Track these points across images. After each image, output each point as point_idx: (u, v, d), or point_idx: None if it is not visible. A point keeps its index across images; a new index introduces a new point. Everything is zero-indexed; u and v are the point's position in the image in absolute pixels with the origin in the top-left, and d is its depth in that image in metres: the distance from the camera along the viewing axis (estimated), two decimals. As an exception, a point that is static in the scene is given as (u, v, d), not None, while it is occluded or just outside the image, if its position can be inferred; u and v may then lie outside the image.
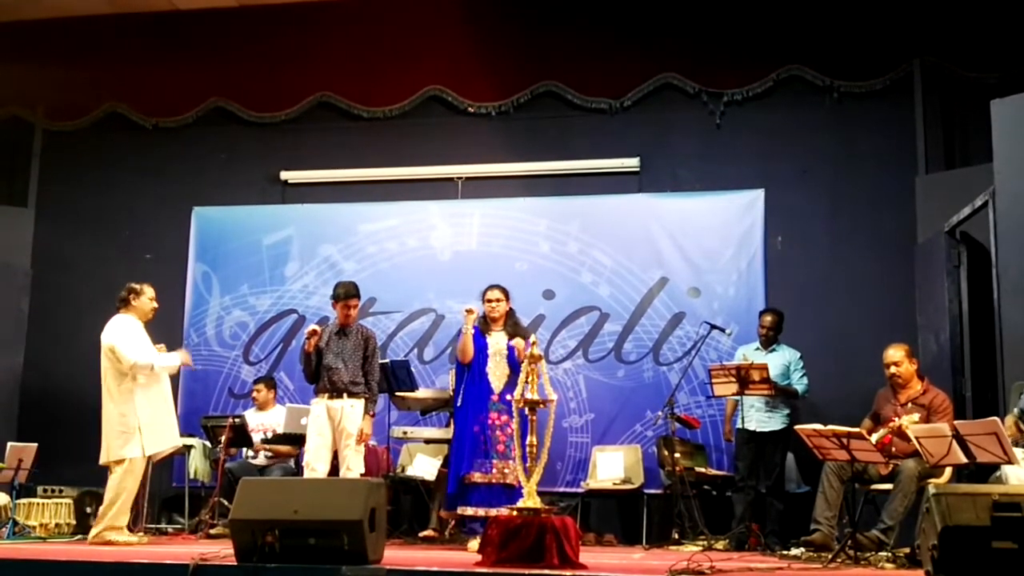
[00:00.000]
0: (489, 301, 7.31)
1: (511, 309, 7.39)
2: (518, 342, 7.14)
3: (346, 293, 7.54)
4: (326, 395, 7.40)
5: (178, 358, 7.26)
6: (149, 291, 7.27)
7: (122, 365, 6.95)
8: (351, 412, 7.35)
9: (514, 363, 7.11)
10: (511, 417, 6.74)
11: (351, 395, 7.38)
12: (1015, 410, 6.04)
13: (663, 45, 9.48)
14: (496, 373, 7.17)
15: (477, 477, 6.98)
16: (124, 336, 7.03)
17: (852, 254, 8.97)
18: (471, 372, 7.22)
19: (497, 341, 7.24)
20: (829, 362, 8.61)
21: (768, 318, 8.25)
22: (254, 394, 9.07)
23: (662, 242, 9.24)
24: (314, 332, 7.49)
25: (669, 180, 9.53)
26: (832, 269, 9.00)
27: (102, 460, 7.00)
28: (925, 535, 4.82)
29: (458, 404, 7.27)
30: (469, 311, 7.23)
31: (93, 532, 6.92)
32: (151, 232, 10.25)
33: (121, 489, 6.86)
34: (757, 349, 8.22)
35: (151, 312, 7.28)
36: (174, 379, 9.26)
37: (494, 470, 6.96)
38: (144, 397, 6.99)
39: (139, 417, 6.92)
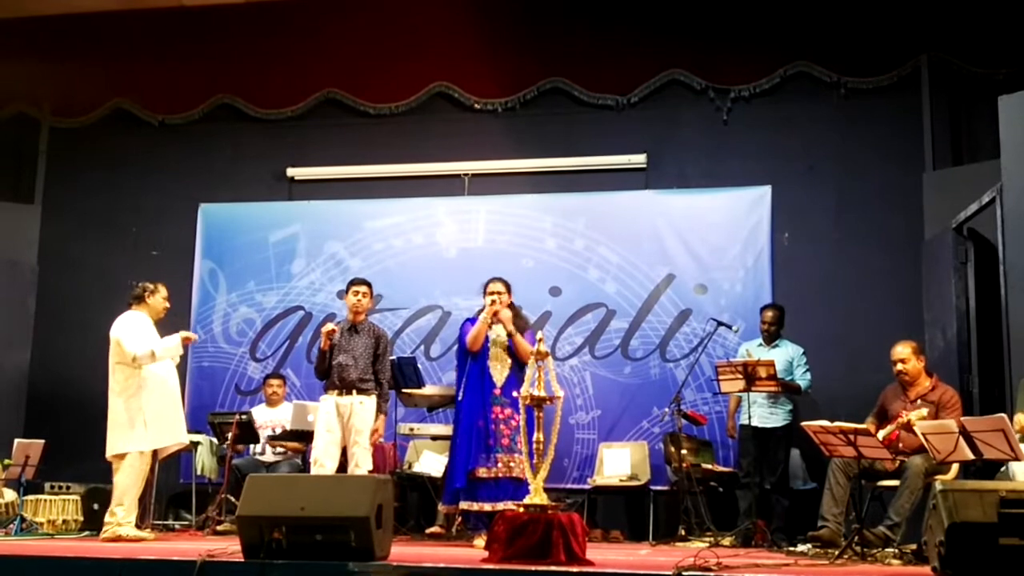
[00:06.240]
0: (491, 293, 7.30)
1: (512, 303, 7.38)
2: (503, 304, 7.16)
3: (355, 280, 7.73)
4: (335, 391, 7.43)
5: (177, 338, 7.17)
6: (163, 291, 7.34)
7: (127, 359, 6.98)
8: (360, 409, 7.37)
9: (515, 354, 7.12)
10: (515, 411, 6.78)
11: (360, 392, 7.41)
12: None
13: (670, 41, 9.46)
14: (497, 367, 7.16)
15: (482, 472, 6.98)
16: (130, 329, 7.08)
17: (859, 250, 8.95)
18: (473, 367, 7.21)
19: (498, 334, 7.24)
20: (836, 359, 8.61)
21: (769, 313, 8.26)
22: (274, 390, 9.04)
23: (669, 239, 9.23)
24: (332, 331, 7.52)
25: (676, 177, 9.51)
26: (839, 266, 8.98)
27: (107, 454, 7.01)
28: (932, 531, 4.81)
29: (460, 398, 7.26)
30: (493, 304, 7.18)
31: (105, 529, 6.91)
32: (158, 229, 10.26)
33: (125, 484, 6.87)
34: (760, 345, 8.22)
35: (163, 311, 7.33)
36: (181, 375, 9.32)
37: (499, 464, 6.96)
38: (150, 393, 7.01)
39: (144, 412, 6.94)
